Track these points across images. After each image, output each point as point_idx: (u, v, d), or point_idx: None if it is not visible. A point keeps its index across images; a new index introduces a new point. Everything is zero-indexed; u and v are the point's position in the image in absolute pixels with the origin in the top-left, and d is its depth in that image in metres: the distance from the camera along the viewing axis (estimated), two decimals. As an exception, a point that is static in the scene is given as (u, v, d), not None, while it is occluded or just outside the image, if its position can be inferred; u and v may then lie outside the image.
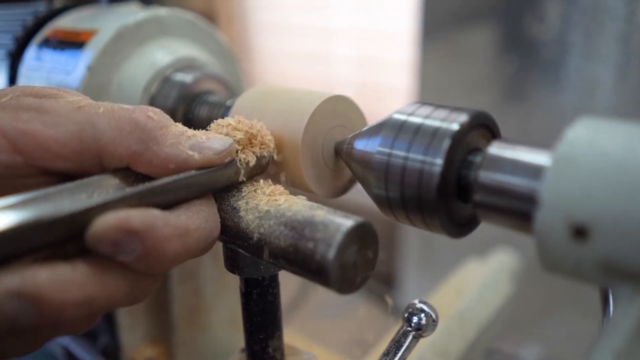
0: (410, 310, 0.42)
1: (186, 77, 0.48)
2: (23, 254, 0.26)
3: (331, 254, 0.29)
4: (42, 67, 0.49)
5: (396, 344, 0.41)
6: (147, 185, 0.31)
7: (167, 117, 0.34)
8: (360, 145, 0.37)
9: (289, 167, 0.39)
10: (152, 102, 0.47)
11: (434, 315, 0.41)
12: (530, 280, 0.76)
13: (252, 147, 0.37)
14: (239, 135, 0.36)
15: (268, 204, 0.33)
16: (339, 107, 0.40)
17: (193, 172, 0.32)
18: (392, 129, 0.35)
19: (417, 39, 1.19)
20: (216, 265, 0.59)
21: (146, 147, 0.32)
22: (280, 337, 0.41)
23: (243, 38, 2.43)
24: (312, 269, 0.30)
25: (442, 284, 0.65)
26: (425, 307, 0.41)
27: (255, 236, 0.33)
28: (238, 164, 0.35)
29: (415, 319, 0.41)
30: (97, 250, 0.28)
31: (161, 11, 0.50)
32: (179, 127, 0.34)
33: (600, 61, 0.94)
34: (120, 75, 0.47)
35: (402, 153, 0.33)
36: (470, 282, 0.64)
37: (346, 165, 0.40)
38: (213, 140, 0.34)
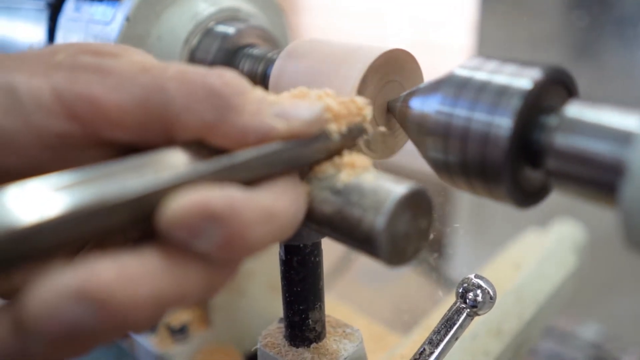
0: (465, 285, 0.38)
1: (229, 29, 0.45)
2: (82, 242, 0.23)
3: (380, 222, 0.26)
4: (81, 18, 0.47)
5: (448, 322, 0.38)
6: (226, 159, 0.26)
7: (245, 81, 0.29)
8: (417, 103, 0.33)
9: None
10: (193, 55, 0.45)
11: (491, 292, 0.38)
12: (591, 254, 0.71)
13: (344, 115, 0.31)
14: (331, 102, 0.31)
15: (316, 166, 0.30)
16: (395, 61, 0.36)
17: (278, 145, 0.28)
18: (454, 86, 0.30)
19: (477, -6, 1.12)
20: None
21: (222, 116, 0.27)
22: (321, 309, 0.38)
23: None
24: (359, 238, 0.27)
25: (498, 256, 0.61)
26: (482, 283, 0.38)
27: None
28: (329, 136, 0.30)
29: (470, 295, 0.38)
30: (170, 237, 0.23)
31: (204, -42, 0.46)
32: (259, 92, 0.29)
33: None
34: (160, 27, 0.45)
35: (465, 113, 0.29)
36: (529, 254, 0.60)
37: (399, 125, 0.37)
38: (300, 107, 0.29)
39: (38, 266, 0.22)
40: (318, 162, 0.30)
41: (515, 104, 0.28)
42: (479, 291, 0.38)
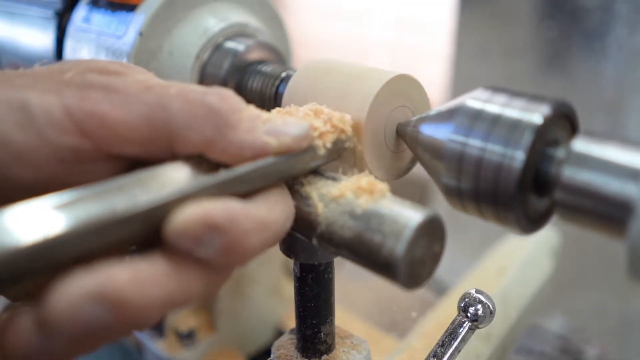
0: (467, 300, 0.41)
1: (239, 46, 0.46)
2: (97, 252, 0.25)
3: (400, 249, 0.28)
4: (91, 29, 0.47)
5: (451, 335, 0.40)
6: (225, 174, 0.29)
7: (240, 99, 0.32)
8: (428, 130, 0.35)
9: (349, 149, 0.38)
10: (203, 70, 0.46)
11: (491, 307, 0.41)
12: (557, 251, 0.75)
13: (328, 132, 0.34)
14: (316, 122, 0.34)
15: (335, 191, 0.32)
16: (403, 86, 0.38)
17: (270, 159, 0.31)
18: (467, 116, 0.33)
19: (455, 1, 1.15)
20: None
21: (221, 133, 0.29)
22: (332, 322, 0.40)
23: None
24: (378, 263, 0.29)
25: (483, 261, 0.64)
26: (482, 298, 0.41)
27: (321, 225, 0.31)
28: (316, 150, 0.33)
29: (472, 310, 0.40)
30: (176, 246, 0.26)
31: (212, -26, 0.47)
32: (253, 110, 0.32)
33: (647, 31, 0.90)
34: (171, 42, 0.45)
35: (478, 143, 0.32)
36: (512, 259, 0.63)
37: (408, 148, 0.39)
38: (290, 124, 0.32)
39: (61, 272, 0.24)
40: (306, 174, 0.33)
41: (527, 138, 0.30)
42: (479, 306, 0.40)
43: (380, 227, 0.29)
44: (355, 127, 0.36)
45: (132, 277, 0.24)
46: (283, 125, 0.31)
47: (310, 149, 0.33)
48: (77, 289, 0.22)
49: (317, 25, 2.32)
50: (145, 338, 0.59)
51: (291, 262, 0.66)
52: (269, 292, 0.62)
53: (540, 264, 0.64)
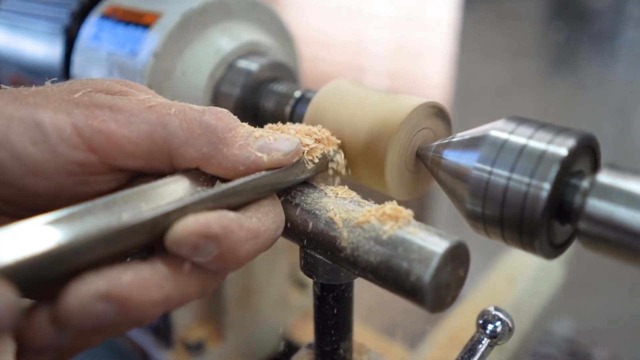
0: (486, 317, 0.41)
1: (251, 65, 0.46)
2: (106, 258, 0.27)
3: (427, 276, 0.29)
4: (101, 47, 0.47)
5: (470, 351, 0.41)
6: (221, 188, 0.31)
7: (234, 117, 0.34)
8: (452, 156, 0.35)
9: (373, 170, 0.38)
10: (217, 88, 0.46)
11: (510, 324, 0.41)
12: (564, 255, 0.75)
13: (317, 147, 0.37)
14: (305, 139, 0.36)
15: (360, 216, 0.33)
16: (430, 112, 0.39)
17: (262, 173, 0.33)
18: (493, 146, 0.33)
19: (460, 0, 1.14)
20: (268, 250, 0.59)
21: (216, 149, 0.32)
22: (351, 338, 0.41)
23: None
24: (405, 288, 0.30)
25: (493, 271, 0.65)
26: (501, 315, 0.41)
27: (346, 250, 0.32)
28: (305, 164, 0.36)
29: (490, 327, 0.41)
30: (176, 252, 0.28)
31: (226, -8, 0.47)
32: (246, 127, 0.34)
33: (657, 34, 0.90)
34: (185, 61, 0.45)
35: (505, 173, 0.32)
36: (522, 269, 0.63)
37: (429, 171, 0.39)
38: (280, 141, 0.34)
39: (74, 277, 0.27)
40: (296, 186, 0.36)
41: (553, 169, 0.30)
42: (498, 323, 0.40)
43: (408, 254, 0.30)
44: (382, 149, 0.37)
45: (136, 279, 0.27)
46: (274, 141, 0.34)
47: (300, 163, 0.35)
48: (88, 290, 0.26)
49: (317, 22, 2.31)
50: (152, 349, 0.59)
51: (296, 272, 0.67)
52: (276, 303, 0.63)
53: (552, 272, 0.64)
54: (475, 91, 1.18)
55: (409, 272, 0.29)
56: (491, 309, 0.41)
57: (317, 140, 0.37)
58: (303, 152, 0.36)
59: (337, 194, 0.36)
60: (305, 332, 0.64)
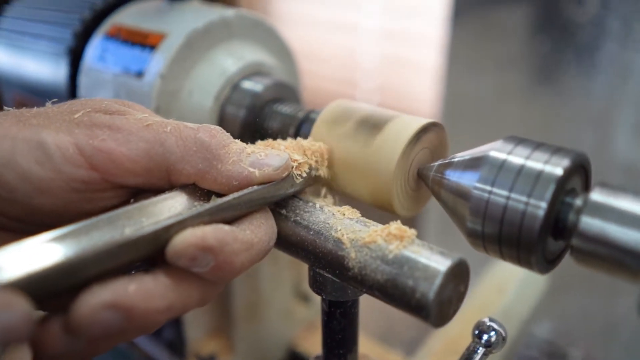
0: (481, 327, 0.43)
1: (256, 86, 0.47)
2: (113, 270, 0.29)
3: (432, 293, 0.31)
4: (107, 68, 0.48)
5: (466, 360, 0.43)
6: (217, 202, 0.33)
7: (227, 134, 0.36)
8: (453, 176, 0.37)
9: (378, 188, 0.40)
10: (223, 109, 0.47)
11: (503, 333, 0.43)
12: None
13: (305, 162, 0.39)
14: (295, 155, 0.39)
15: (366, 236, 0.34)
16: (428, 132, 0.40)
17: (254, 188, 0.35)
18: (492, 166, 0.35)
19: (447, 14, 1.17)
20: (272, 264, 0.60)
21: (211, 165, 0.34)
22: (357, 350, 0.42)
23: (263, 1, 2.37)
24: (410, 305, 0.32)
25: (483, 279, 0.67)
26: (495, 325, 0.43)
27: (354, 269, 0.34)
28: (294, 178, 0.38)
29: (485, 337, 0.42)
30: (177, 265, 0.30)
31: (228, 13, 0.48)
32: (239, 144, 0.36)
33: (636, 48, 0.93)
34: (191, 82, 0.46)
35: (504, 192, 0.34)
36: (510, 278, 0.65)
37: (429, 190, 0.41)
38: (271, 157, 0.36)
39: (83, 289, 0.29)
40: (286, 199, 0.38)
41: (550, 188, 0.32)
42: (492, 333, 0.42)
43: (413, 272, 0.32)
44: (387, 169, 0.39)
45: (140, 290, 0.29)
46: (265, 157, 0.36)
47: (289, 177, 0.38)
48: (96, 300, 0.27)
49: (307, 36, 2.32)
50: (164, 364, 0.60)
51: (300, 285, 0.69)
52: (281, 315, 0.64)
53: (536, 280, 0.66)
54: (463, 103, 1.21)
55: (414, 289, 0.31)
56: (486, 320, 0.43)
57: (305, 154, 0.40)
58: (292, 167, 0.38)
59: (344, 214, 0.37)
60: (310, 343, 0.66)
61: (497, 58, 1.11)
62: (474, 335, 0.43)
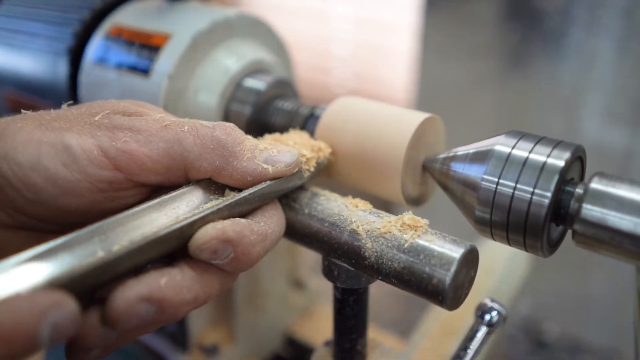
0: (483, 308, 0.46)
1: (259, 84, 0.48)
2: (146, 264, 0.31)
3: (448, 279, 0.33)
4: (110, 68, 0.48)
5: (470, 339, 0.45)
6: (234, 198, 0.35)
7: (241, 131, 0.38)
8: (460, 168, 0.40)
9: (388, 182, 0.42)
10: (228, 107, 0.48)
11: (504, 313, 0.46)
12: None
13: (313, 157, 0.41)
14: (304, 150, 0.41)
15: (381, 227, 0.36)
16: (432, 125, 0.43)
17: (267, 183, 0.37)
18: (499, 159, 0.37)
19: (421, 2, 1.19)
20: (270, 254, 0.62)
21: (227, 162, 0.36)
22: (366, 334, 0.45)
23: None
24: (427, 291, 0.34)
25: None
26: (495, 306, 0.46)
27: (370, 258, 0.36)
28: (302, 172, 0.40)
29: (487, 317, 0.45)
30: (199, 257, 0.32)
31: (230, 13, 0.49)
32: (252, 140, 0.38)
33: (601, 34, 0.98)
34: (196, 82, 0.47)
35: (511, 183, 0.36)
36: (498, 259, 0.69)
37: (437, 183, 0.43)
38: (283, 153, 0.38)
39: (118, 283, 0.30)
40: (294, 191, 0.41)
41: (554, 179, 0.35)
42: (494, 312, 0.45)
43: (429, 260, 0.34)
44: (395, 162, 0.41)
45: (170, 282, 0.31)
46: (277, 154, 0.38)
47: (299, 172, 0.40)
48: (132, 293, 0.29)
49: (280, 23, 2.31)
50: (170, 353, 0.61)
51: (295, 273, 0.71)
52: (279, 304, 0.67)
53: (521, 260, 0.70)
54: (437, 90, 1.24)
55: (431, 276, 0.34)
56: (487, 301, 0.46)
57: (312, 149, 0.42)
58: (301, 162, 0.40)
59: (357, 206, 0.39)
60: (305, 329, 0.68)
61: (469, 45, 1.14)
62: (476, 315, 0.46)
